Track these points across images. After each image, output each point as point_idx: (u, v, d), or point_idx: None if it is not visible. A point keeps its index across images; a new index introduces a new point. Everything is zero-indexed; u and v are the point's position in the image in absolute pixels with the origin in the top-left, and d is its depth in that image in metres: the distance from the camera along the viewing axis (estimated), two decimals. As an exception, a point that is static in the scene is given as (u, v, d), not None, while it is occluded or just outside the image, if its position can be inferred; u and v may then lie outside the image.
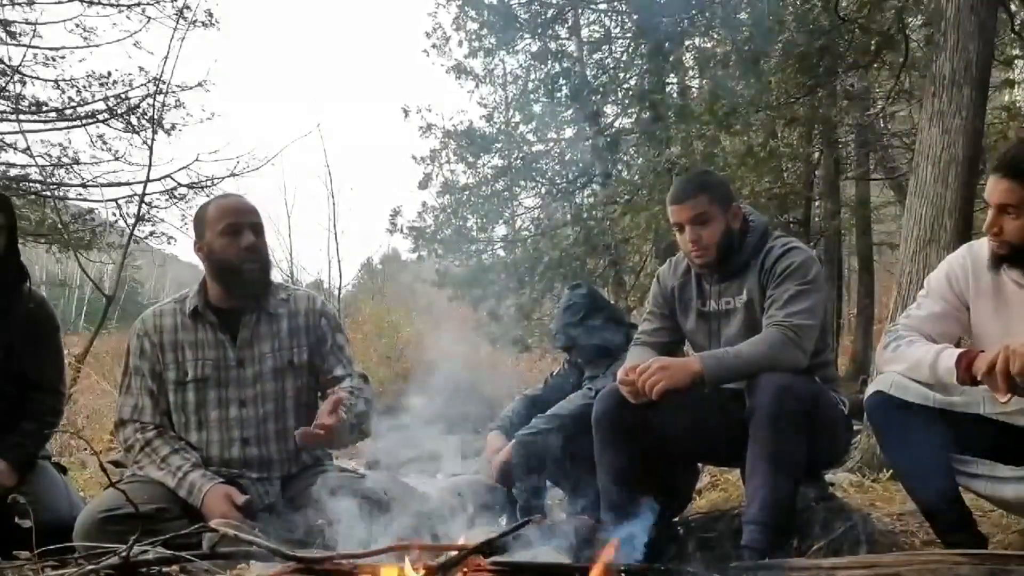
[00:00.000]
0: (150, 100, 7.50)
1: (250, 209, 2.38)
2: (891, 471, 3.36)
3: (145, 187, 6.95)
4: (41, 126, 7.82)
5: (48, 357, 2.57)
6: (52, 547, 1.81)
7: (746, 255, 2.41)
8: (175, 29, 6.68)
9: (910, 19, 6.55)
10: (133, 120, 7.80)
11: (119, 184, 7.84)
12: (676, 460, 2.60)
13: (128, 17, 7.78)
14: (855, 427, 2.91)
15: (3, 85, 7.30)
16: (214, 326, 2.37)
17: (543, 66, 9.62)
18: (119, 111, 7.74)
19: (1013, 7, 5.42)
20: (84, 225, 8.35)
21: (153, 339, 2.38)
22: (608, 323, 3.07)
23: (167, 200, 7.91)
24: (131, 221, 7.11)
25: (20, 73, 7.36)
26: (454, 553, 1.54)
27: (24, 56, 7.33)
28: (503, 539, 1.60)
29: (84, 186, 7.97)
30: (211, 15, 7.88)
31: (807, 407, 2.12)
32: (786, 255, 2.34)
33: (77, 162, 7.95)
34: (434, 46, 11.09)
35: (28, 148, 7.60)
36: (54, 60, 7.64)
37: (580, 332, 3.06)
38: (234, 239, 2.31)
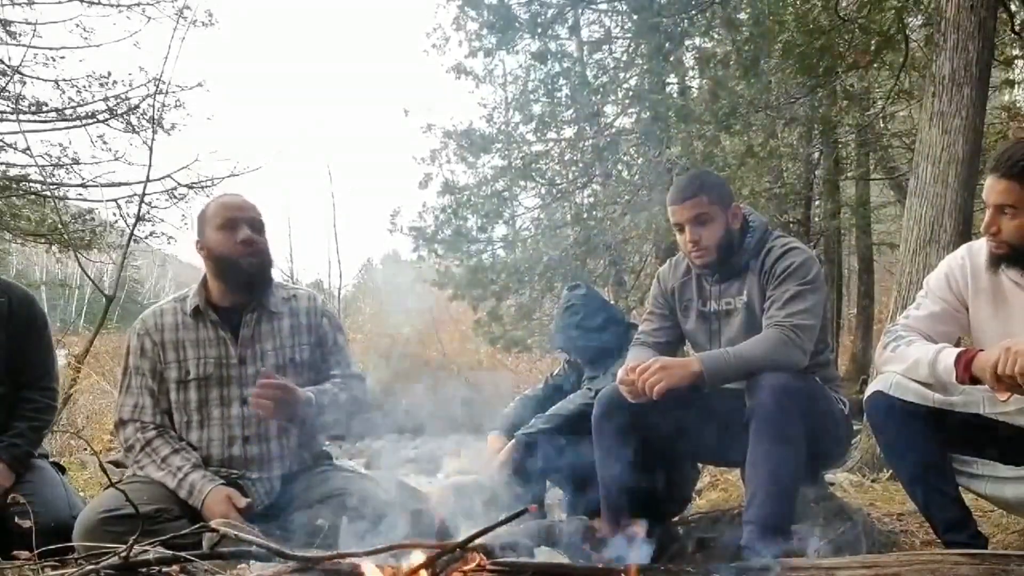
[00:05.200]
0: (150, 100, 7.50)
1: (249, 206, 2.39)
2: (891, 471, 3.36)
3: (145, 187, 6.94)
4: (41, 126, 7.82)
5: (38, 353, 2.57)
6: (52, 547, 1.80)
7: (746, 255, 2.41)
8: (175, 29, 6.67)
9: (910, 19, 6.54)
10: (133, 120, 7.80)
11: (119, 184, 7.83)
12: (676, 460, 2.60)
13: (128, 17, 7.80)
14: (855, 427, 2.91)
15: (3, 85, 7.29)
16: (215, 324, 2.38)
17: (543, 66, 9.60)
18: (119, 111, 7.74)
19: (1013, 7, 5.41)
20: (84, 225, 8.34)
21: (154, 338, 2.38)
22: (607, 323, 3.07)
23: (167, 200, 7.89)
24: (131, 221, 7.10)
25: (20, 73, 7.36)
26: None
27: (24, 56, 7.33)
28: (498, 531, 1.60)
29: (84, 186, 7.96)
30: (211, 15, 7.89)
31: (807, 407, 2.13)
32: (786, 255, 2.34)
33: (77, 162, 7.94)
34: (434, 46, 11.09)
35: (28, 148, 7.60)
36: (54, 60, 7.64)
37: (579, 333, 3.05)
38: (231, 233, 2.32)
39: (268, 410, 2.21)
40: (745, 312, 2.39)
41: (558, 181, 10.65)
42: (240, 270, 2.34)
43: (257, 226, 2.37)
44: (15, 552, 1.82)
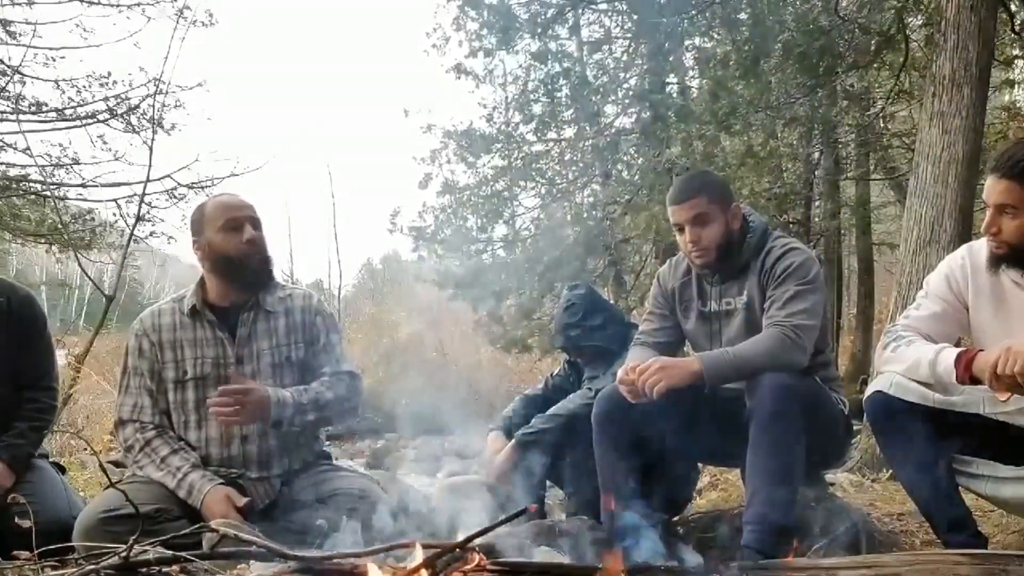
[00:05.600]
0: (150, 100, 7.50)
1: (248, 204, 2.41)
2: (891, 471, 3.36)
3: (145, 187, 6.94)
4: (41, 126, 7.82)
5: (38, 354, 2.57)
6: (52, 547, 1.80)
7: (746, 256, 2.40)
8: (175, 29, 6.67)
9: (910, 19, 6.54)
10: (133, 120, 7.80)
11: (119, 184, 7.84)
12: (676, 460, 2.60)
13: (128, 17, 7.80)
14: (855, 427, 2.91)
15: (3, 85, 7.29)
16: (213, 324, 2.38)
17: (543, 66, 9.60)
18: (119, 111, 7.74)
19: (1013, 7, 5.41)
20: (84, 225, 8.34)
21: (152, 338, 2.39)
22: (607, 323, 3.07)
23: (167, 200, 7.90)
24: (131, 221, 7.10)
25: (20, 73, 7.36)
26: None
27: (24, 56, 7.33)
28: (497, 531, 1.60)
29: (84, 186, 7.97)
30: (211, 15, 7.89)
31: (807, 407, 2.12)
32: (786, 255, 2.34)
33: (77, 162, 7.94)
34: (434, 46, 11.09)
35: (28, 148, 7.60)
36: (54, 60, 7.64)
37: (579, 332, 3.06)
38: (234, 234, 2.33)
39: (229, 416, 2.20)
40: (745, 312, 2.39)
41: (558, 181, 10.66)
42: (246, 270, 2.35)
43: (257, 225, 2.39)
44: (15, 552, 1.82)
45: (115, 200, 7.82)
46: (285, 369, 2.41)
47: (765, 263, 2.36)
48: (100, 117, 7.78)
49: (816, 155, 9.33)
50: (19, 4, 7.43)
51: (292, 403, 2.30)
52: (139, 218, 7.23)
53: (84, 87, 7.75)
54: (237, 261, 2.33)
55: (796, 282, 2.28)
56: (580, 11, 9.74)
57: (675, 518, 2.76)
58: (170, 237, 8.33)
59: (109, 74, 7.72)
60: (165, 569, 1.64)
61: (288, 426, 2.32)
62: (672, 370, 2.16)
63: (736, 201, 2.47)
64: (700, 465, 3.16)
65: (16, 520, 1.81)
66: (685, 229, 2.37)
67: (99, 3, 7.67)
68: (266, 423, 2.30)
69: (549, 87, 9.56)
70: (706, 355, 2.26)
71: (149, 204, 7.71)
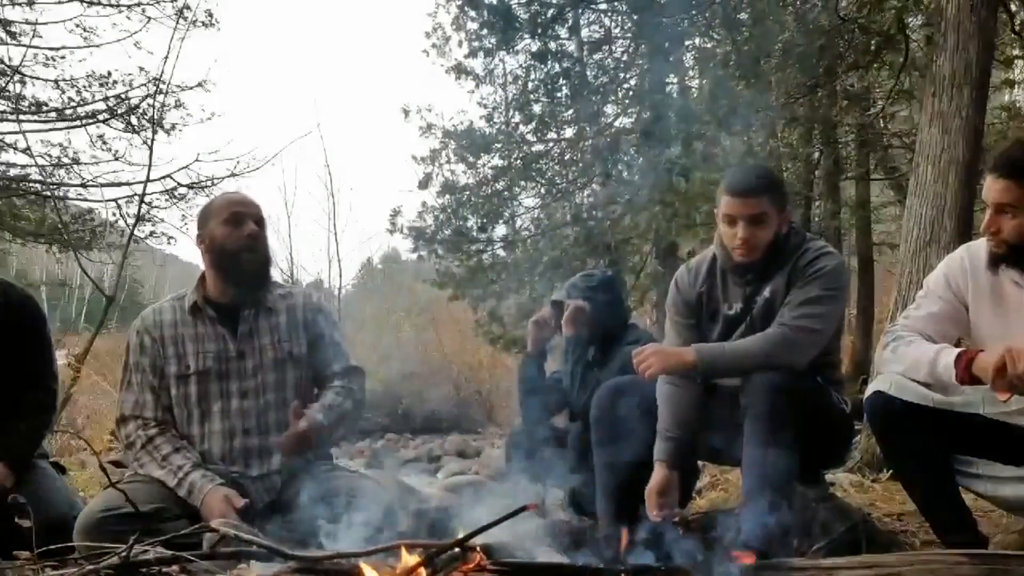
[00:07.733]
0: (150, 100, 7.50)
1: (254, 203, 2.43)
2: (891, 471, 3.36)
3: (145, 187, 6.95)
4: (41, 126, 7.82)
5: (37, 353, 2.56)
6: (52, 547, 1.81)
7: (783, 258, 2.33)
8: (175, 29, 6.68)
9: (910, 19, 6.54)
10: (133, 120, 7.81)
11: (119, 184, 7.85)
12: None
13: (128, 17, 7.80)
14: (855, 427, 2.90)
15: (3, 85, 7.30)
16: (213, 320, 2.40)
17: (543, 66, 9.61)
18: (119, 111, 7.74)
19: (1013, 7, 5.41)
20: (84, 225, 8.35)
21: (153, 334, 2.40)
22: (610, 308, 3.07)
23: (167, 200, 7.92)
24: (131, 221, 7.11)
25: (20, 73, 7.36)
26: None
27: (24, 56, 7.34)
28: (497, 529, 1.60)
29: (84, 186, 7.98)
30: (211, 15, 7.89)
31: (801, 406, 2.11)
32: (818, 259, 2.28)
33: (77, 162, 7.95)
34: (434, 46, 11.11)
35: (28, 148, 7.61)
36: (54, 60, 7.65)
37: (579, 293, 3.05)
38: (235, 228, 2.35)
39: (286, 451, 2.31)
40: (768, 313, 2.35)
41: (558, 181, 10.67)
42: (240, 263, 2.36)
43: (260, 223, 2.41)
44: (15, 552, 1.82)
45: (115, 200, 7.83)
46: (287, 364, 2.43)
47: (797, 264, 2.29)
48: (100, 117, 7.79)
49: (816, 155, 9.32)
50: (19, 4, 7.44)
51: (327, 424, 2.34)
52: (139, 218, 7.24)
53: (84, 87, 7.77)
54: (234, 254, 2.34)
55: (818, 287, 2.23)
56: (580, 11, 9.76)
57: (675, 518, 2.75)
58: (170, 237, 8.36)
59: (109, 74, 7.74)
60: (165, 569, 1.64)
61: (321, 445, 2.37)
62: (664, 355, 2.17)
63: (791, 205, 2.42)
64: (700, 465, 3.16)
65: (16, 520, 1.81)
66: (739, 223, 2.27)
67: (99, 3, 7.67)
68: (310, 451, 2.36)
69: (549, 87, 9.57)
70: (702, 347, 2.25)
71: (149, 204, 7.73)
